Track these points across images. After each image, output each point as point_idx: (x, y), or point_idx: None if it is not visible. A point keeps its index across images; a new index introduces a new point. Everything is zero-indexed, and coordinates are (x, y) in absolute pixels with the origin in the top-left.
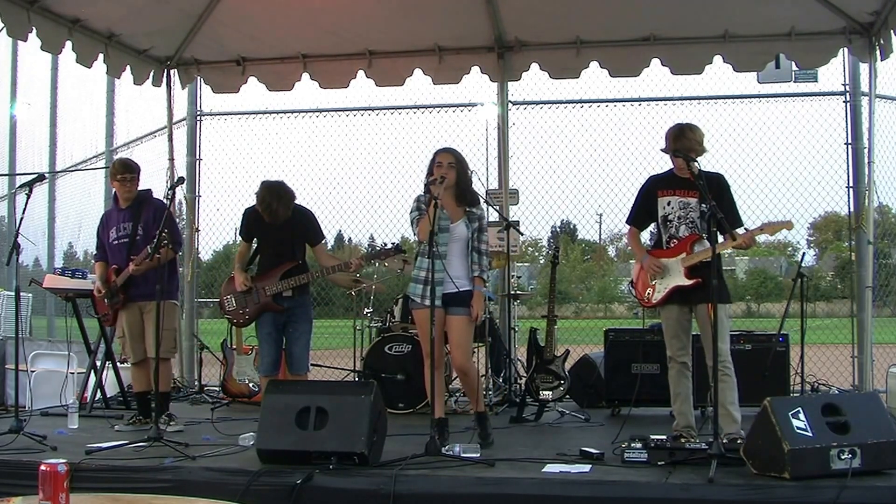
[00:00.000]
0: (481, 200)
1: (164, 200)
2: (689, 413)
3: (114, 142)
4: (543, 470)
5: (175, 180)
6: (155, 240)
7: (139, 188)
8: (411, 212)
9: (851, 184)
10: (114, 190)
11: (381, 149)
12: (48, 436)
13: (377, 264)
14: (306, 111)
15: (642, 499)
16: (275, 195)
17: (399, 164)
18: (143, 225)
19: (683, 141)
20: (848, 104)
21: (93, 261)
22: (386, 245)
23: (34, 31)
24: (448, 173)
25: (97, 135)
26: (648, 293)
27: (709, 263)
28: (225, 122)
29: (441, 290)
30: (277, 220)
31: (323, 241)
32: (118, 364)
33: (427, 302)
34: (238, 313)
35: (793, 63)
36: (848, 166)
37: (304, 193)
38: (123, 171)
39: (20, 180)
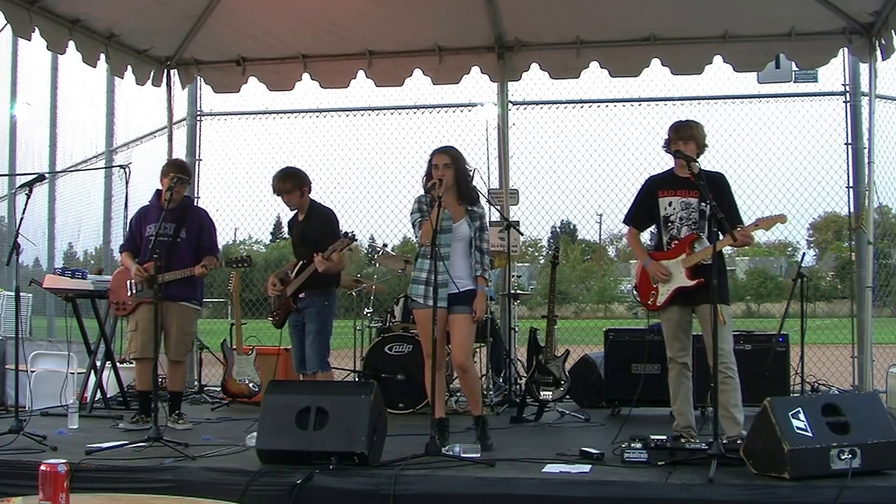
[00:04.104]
0: (482, 198)
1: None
2: (689, 413)
3: (114, 142)
4: (543, 470)
5: (175, 181)
6: (210, 252)
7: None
8: (412, 213)
9: (851, 184)
10: (158, 188)
11: (382, 149)
12: (48, 436)
13: (377, 265)
14: (306, 111)
15: (642, 499)
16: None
17: (399, 164)
18: (187, 229)
19: (686, 130)
20: (848, 104)
21: (120, 250)
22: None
23: (37, 31)
24: (445, 174)
25: (97, 135)
26: (652, 296)
27: (710, 264)
28: (225, 122)
29: (446, 291)
30: (283, 199)
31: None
32: (118, 364)
33: (430, 302)
34: (273, 315)
35: (793, 63)
36: (848, 166)
37: None
38: (176, 171)
39: (20, 180)
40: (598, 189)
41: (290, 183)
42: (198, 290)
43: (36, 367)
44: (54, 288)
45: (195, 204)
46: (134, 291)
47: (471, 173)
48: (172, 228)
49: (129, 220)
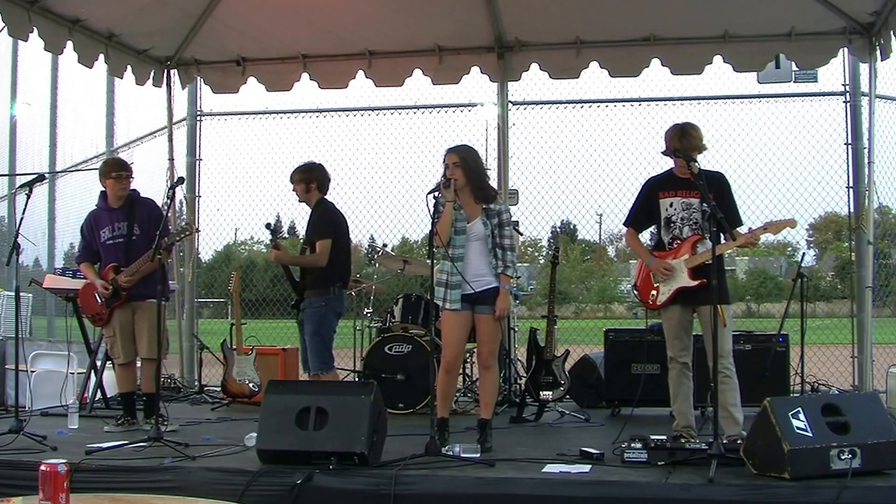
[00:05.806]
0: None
1: (166, 199)
2: (689, 413)
3: (114, 142)
4: (543, 470)
5: (175, 180)
6: (168, 239)
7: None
8: (431, 215)
9: (851, 184)
10: (102, 189)
11: (381, 149)
12: (48, 436)
13: (377, 265)
14: (306, 111)
15: (642, 499)
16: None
17: (399, 164)
18: (139, 224)
19: (689, 139)
20: (848, 104)
21: (77, 262)
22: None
23: (35, 31)
24: (455, 174)
25: (97, 135)
26: (653, 295)
27: (710, 264)
28: (225, 122)
29: (460, 292)
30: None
31: (319, 241)
32: None
33: (448, 305)
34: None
35: (793, 63)
36: (848, 166)
37: None
38: (119, 169)
39: (20, 180)
40: (598, 189)
41: (298, 175)
42: (160, 285)
43: (36, 367)
44: (54, 288)
45: (141, 196)
46: (103, 300)
47: (485, 170)
48: (125, 227)
49: (80, 229)
